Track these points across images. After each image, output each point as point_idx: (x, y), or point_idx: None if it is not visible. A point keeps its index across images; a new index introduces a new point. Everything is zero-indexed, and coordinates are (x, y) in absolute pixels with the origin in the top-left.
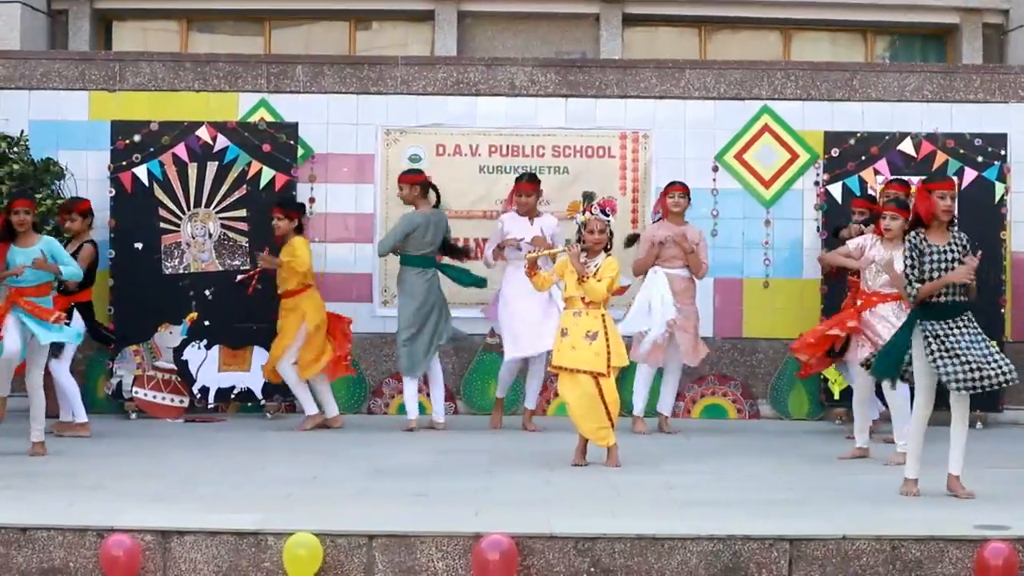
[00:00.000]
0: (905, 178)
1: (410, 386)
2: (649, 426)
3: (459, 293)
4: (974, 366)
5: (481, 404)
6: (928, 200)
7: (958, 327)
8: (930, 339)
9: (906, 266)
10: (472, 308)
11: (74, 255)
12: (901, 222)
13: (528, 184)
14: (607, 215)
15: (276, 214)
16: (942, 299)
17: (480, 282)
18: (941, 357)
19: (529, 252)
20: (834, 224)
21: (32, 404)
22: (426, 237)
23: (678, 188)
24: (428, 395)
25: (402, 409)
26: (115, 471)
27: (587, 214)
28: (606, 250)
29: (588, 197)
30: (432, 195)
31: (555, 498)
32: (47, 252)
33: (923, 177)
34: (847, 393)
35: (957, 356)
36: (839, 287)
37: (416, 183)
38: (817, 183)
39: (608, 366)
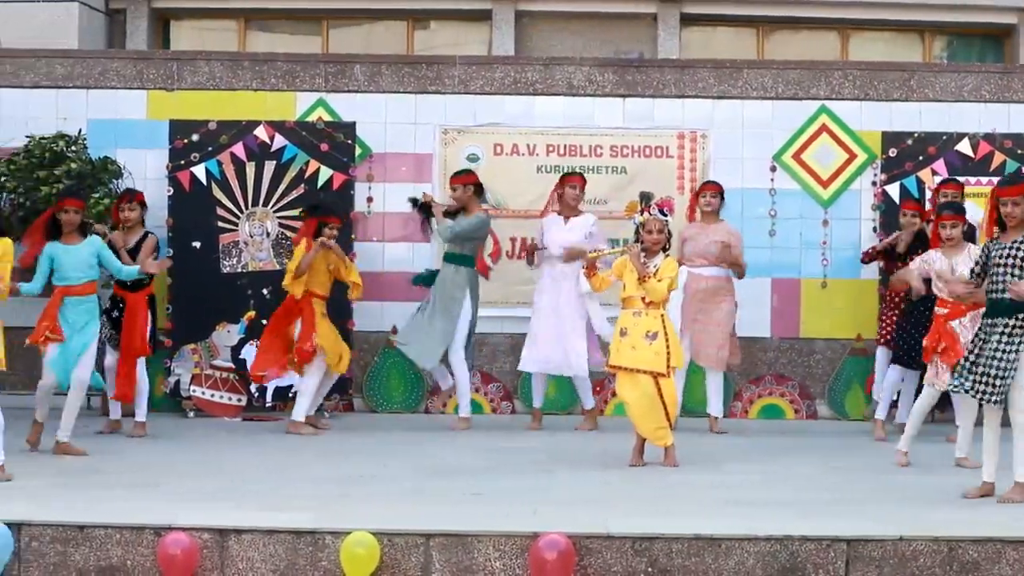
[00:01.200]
0: (959, 178)
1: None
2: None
3: (494, 292)
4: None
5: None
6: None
7: (996, 330)
8: (979, 334)
9: (971, 272)
10: (513, 308)
11: (138, 245)
12: (960, 228)
13: (577, 176)
14: (665, 215)
15: (337, 223)
16: (993, 295)
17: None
18: (966, 357)
19: (590, 252)
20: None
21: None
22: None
23: (711, 187)
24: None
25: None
26: (173, 469)
27: (645, 214)
28: (664, 250)
29: (646, 197)
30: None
31: (612, 498)
32: (94, 253)
33: (994, 179)
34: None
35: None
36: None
37: (470, 184)
38: (875, 183)
39: (668, 366)
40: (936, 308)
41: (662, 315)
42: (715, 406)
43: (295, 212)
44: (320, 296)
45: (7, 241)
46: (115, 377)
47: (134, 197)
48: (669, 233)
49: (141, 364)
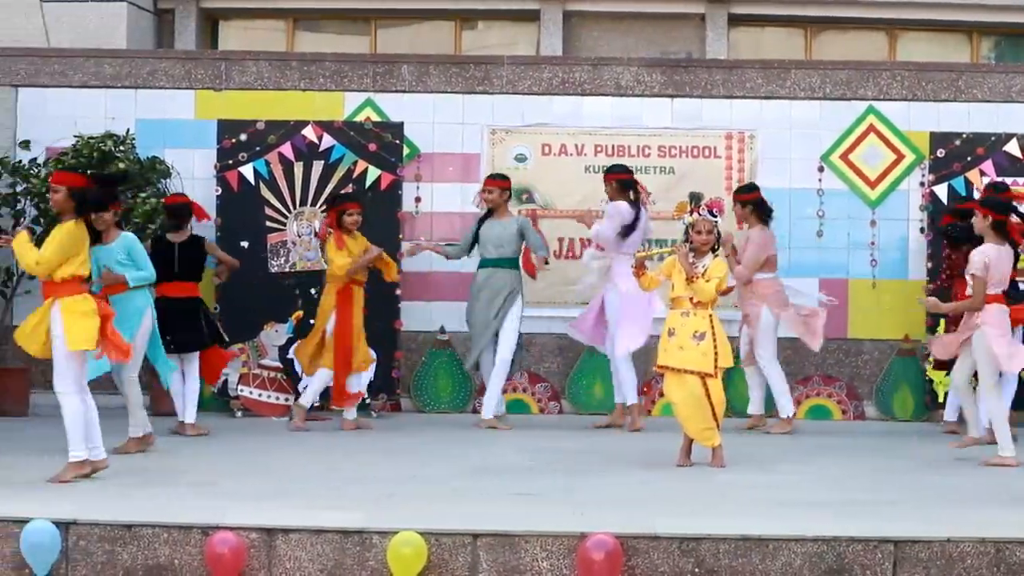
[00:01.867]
0: (1007, 180)
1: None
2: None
3: (542, 292)
4: None
5: (586, 403)
6: None
7: None
8: None
9: None
10: (561, 308)
11: (193, 243)
12: (980, 219)
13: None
14: (715, 216)
15: (356, 208)
16: None
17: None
18: None
19: (638, 253)
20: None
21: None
22: None
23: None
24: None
25: (511, 408)
26: (220, 469)
27: (695, 215)
28: (713, 251)
29: (696, 198)
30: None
31: (660, 498)
32: (123, 251)
33: None
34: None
35: None
36: (949, 290)
37: (506, 188)
38: (923, 184)
39: (715, 366)
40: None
41: (710, 315)
42: (756, 404)
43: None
44: (359, 282)
45: (70, 226)
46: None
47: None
48: (718, 234)
49: (195, 365)
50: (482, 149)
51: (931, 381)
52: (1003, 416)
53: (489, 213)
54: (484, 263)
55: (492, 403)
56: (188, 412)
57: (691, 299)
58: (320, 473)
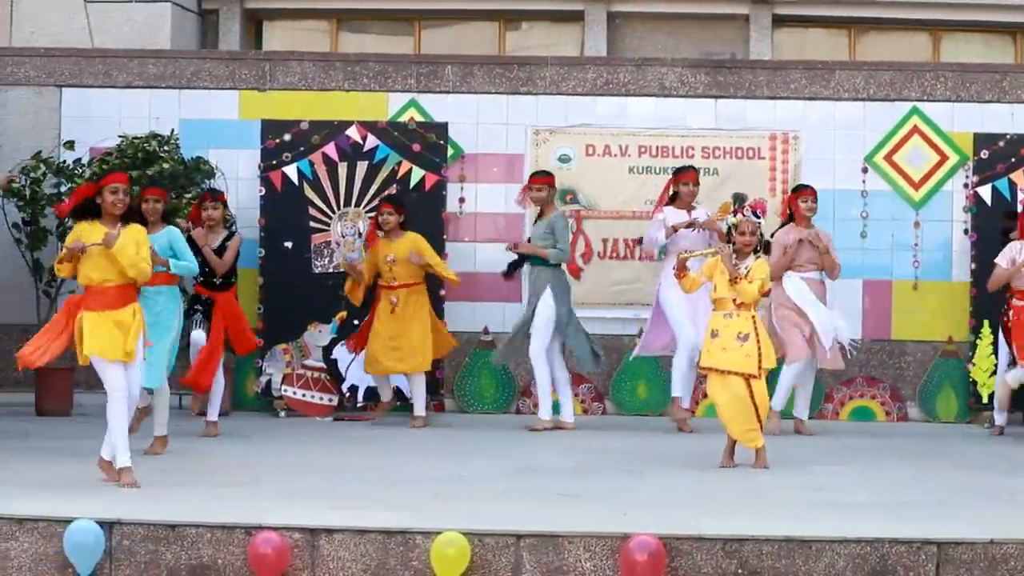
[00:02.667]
0: None
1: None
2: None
3: (586, 293)
4: None
5: (629, 405)
6: None
7: None
8: None
9: None
10: (605, 308)
11: (223, 245)
12: None
13: (694, 172)
14: (758, 217)
15: (387, 208)
16: None
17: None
18: None
19: (681, 254)
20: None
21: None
22: None
23: (811, 192)
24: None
25: (555, 409)
26: (264, 469)
27: (738, 215)
28: (755, 252)
29: (739, 199)
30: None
31: (703, 499)
32: (166, 243)
33: None
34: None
35: None
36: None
37: (552, 186)
38: (966, 185)
39: (759, 367)
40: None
41: (753, 316)
42: (802, 409)
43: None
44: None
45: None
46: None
47: (217, 196)
48: (761, 235)
49: (220, 363)
50: (526, 150)
51: (974, 382)
52: None
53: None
54: (530, 261)
55: (545, 406)
56: (210, 412)
57: (734, 300)
58: (364, 473)
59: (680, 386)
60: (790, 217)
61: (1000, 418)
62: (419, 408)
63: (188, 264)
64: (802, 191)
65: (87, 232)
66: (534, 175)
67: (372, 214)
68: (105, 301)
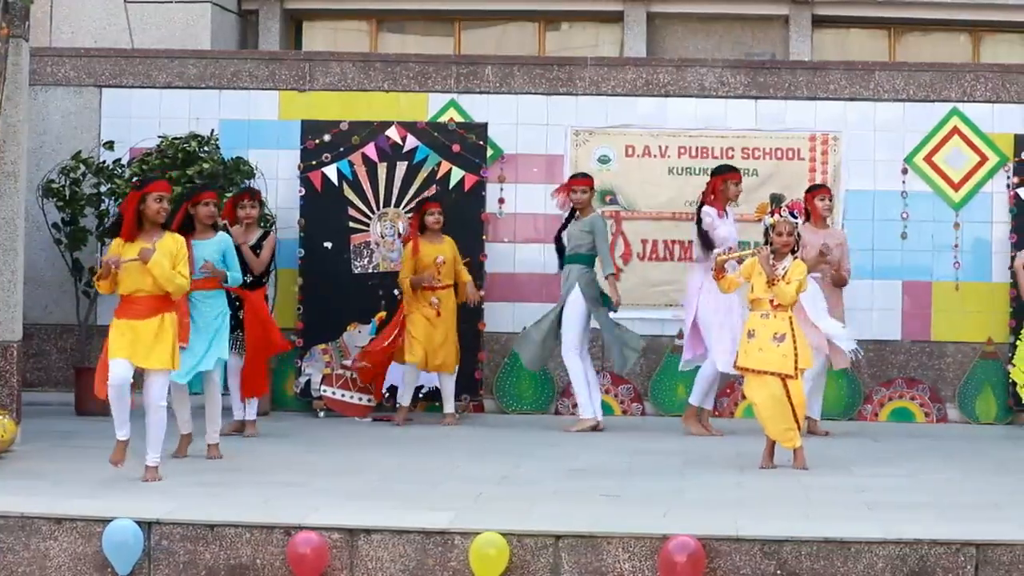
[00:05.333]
0: None
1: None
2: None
3: (626, 294)
4: None
5: (668, 405)
6: None
7: None
8: None
9: None
10: (644, 309)
11: (258, 243)
12: None
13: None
14: (796, 217)
15: (436, 209)
16: None
17: None
18: None
19: (720, 256)
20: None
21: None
22: None
23: (827, 191)
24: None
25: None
26: (303, 469)
27: (776, 216)
28: (792, 252)
29: (776, 199)
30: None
31: (744, 500)
32: (219, 251)
33: None
34: None
35: None
36: None
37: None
38: (1007, 186)
39: (796, 368)
40: None
41: (790, 317)
42: (814, 408)
43: None
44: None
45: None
46: (241, 376)
47: (255, 195)
48: (799, 236)
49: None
50: (566, 150)
51: (1014, 384)
52: None
53: (572, 213)
54: (565, 260)
55: (583, 404)
56: (248, 412)
57: (771, 301)
58: (404, 473)
59: (698, 396)
60: (807, 216)
61: None
62: (451, 406)
63: (237, 275)
64: (818, 190)
65: (124, 247)
66: (575, 177)
67: (410, 214)
68: (134, 310)
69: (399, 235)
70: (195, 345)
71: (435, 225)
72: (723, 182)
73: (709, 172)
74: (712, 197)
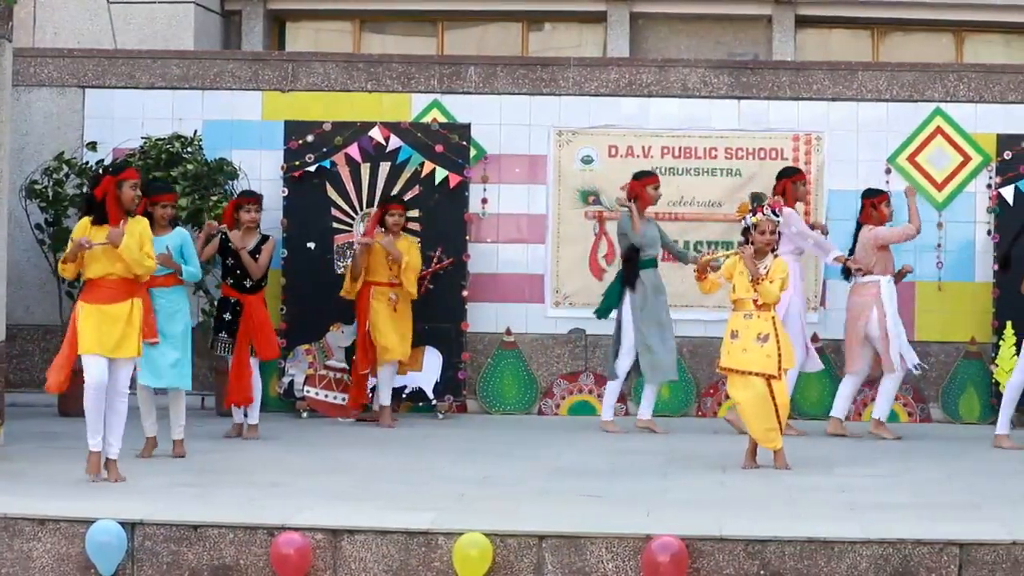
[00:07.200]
0: None
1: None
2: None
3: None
4: None
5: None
6: None
7: None
8: None
9: None
10: (698, 310)
11: (257, 247)
12: None
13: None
14: (777, 215)
15: (398, 210)
16: None
17: None
18: None
19: (703, 256)
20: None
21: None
22: None
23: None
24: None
25: (577, 410)
26: (286, 470)
27: (759, 215)
28: (773, 251)
29: (757, 198)
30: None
31: (727, 500)
32: (176, 246)
33: None
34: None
35: None
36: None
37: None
38: (990, 186)
39: (779, 368)
40: None
41: (773, 317)
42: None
43: (411, 213)
44: (379, 283)
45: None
46: (230, 381)
47: (259, 199)
48: (779, 234)
49: (255, 365)
50: (549, 150)
51: (997, 383)
52: None
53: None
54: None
55: (646, 404)
56: (251, 415)
57: (754, 301)
58: (387, 474)
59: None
60: (868, 216)
61: None
62: (387, 398)
63: (193, 270)
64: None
65: (91, 230)
66: (648, 175)
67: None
68: (103, 295)
69: (363, 235)
70: (162, 347)
71: (395, 227)
72: (792, 183)
73: (776, 174)
74: (783, 198)
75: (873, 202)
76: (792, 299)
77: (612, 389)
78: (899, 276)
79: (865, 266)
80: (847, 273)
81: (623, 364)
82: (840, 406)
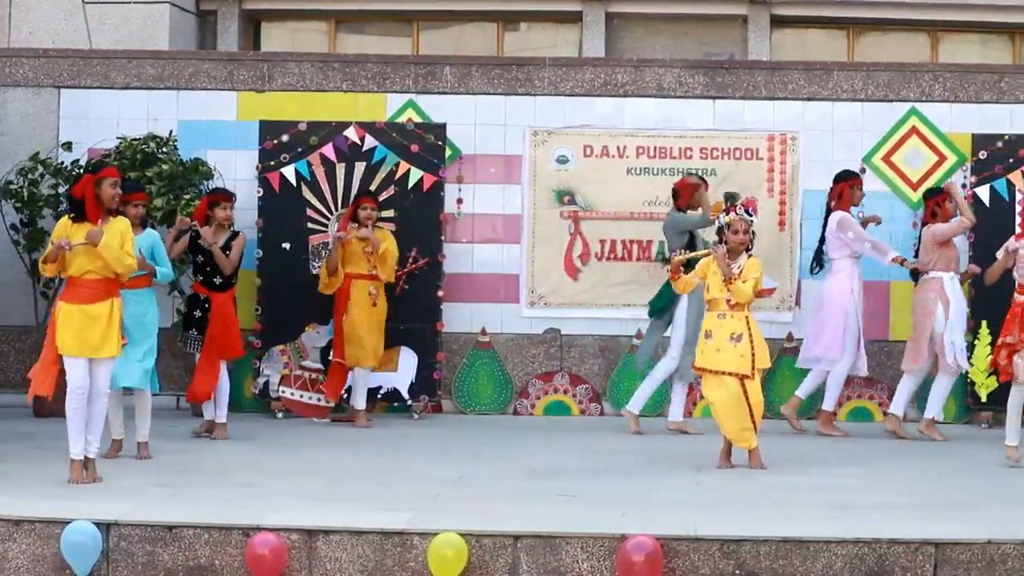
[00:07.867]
0: None
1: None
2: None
3: (584, 294)
4: None
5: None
6: None
7: None
8: None
9: None
10: (602, 309)
11: (227, 244)
12: None
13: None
14: (751, 215)
15: (371, 204)
16: None
17: None
18: None
19: (676, 255)
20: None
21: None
22: None
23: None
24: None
25: (552, 410)
26: (261, 470)
27: (732, 214)
28: (747, 250)
29: (731, 198)
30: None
31: (702, 500)
32: (147, 247)
33: None
34: (993, 396)
35: None
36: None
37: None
38: (965, 186)
39: (753, 368)
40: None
41: (747, 316)
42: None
43: (387, 213)
44: (359, 276)
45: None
46: (194, 375)
47: (232, 196)
48: (753, 233)
49: (223, 364)
50: (524, 150)
51: (972, 383)
52: None
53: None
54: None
55: (676, 407)
56: (219, 413)
57: (727, 301)
58: (363, 474)
59: (832, 399)
60: (932, 215)
61: None
62: (362, 402)
63: (166, 271)
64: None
65: (71, 229)
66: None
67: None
68: (83, 294)
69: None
70: (128, 348)
71: (367, 221)
72: (850, 187)
73: (833, 177)
74: (839, 202)
75: (937, 201)
76: (849, 300)
77: (680, 391)
78: (965, 277)
79: (922, 266)
80: (915, 275)
81: (672, 364)
82: (899, 404)
